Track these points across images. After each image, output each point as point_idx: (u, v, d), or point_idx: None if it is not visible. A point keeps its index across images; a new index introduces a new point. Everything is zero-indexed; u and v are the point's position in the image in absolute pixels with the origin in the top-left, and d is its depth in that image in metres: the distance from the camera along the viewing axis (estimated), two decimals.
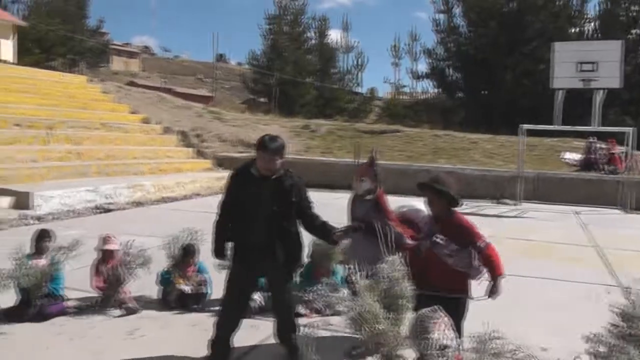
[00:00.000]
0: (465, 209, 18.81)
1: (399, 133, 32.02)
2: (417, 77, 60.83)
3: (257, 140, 5.77)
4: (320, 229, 5.93)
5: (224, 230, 5.92)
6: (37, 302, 6.99)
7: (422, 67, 72.71)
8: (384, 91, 74.94)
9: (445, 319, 4.71)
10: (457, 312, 5.40)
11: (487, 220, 16.80)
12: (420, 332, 4.45)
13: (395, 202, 7.09)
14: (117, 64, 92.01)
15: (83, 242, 7.55)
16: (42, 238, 7.44)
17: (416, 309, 5.50)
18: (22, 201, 15.48)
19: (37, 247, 7.39)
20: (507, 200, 21.38)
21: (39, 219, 14.77)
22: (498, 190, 22.25)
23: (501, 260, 5.74)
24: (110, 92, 30.80)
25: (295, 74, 56.00)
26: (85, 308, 7.30)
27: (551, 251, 12.59)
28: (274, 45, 58.34)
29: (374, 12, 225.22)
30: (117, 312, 7.31)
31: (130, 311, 7.31)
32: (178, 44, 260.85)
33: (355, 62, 64.22)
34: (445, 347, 4.34)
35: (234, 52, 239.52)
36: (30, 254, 7.29)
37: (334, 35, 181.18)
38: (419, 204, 6.86)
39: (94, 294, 7.58)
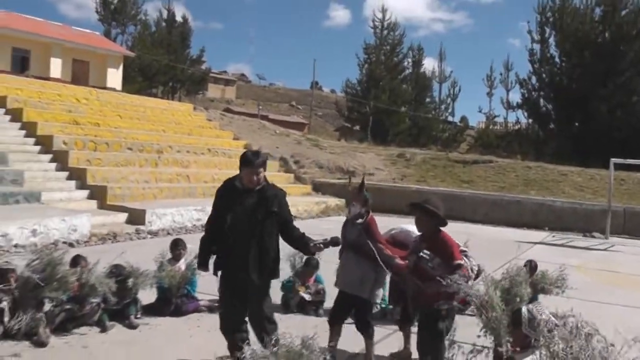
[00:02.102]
0: (555, 240, 19.31)
1: (492, 163, 32.37)
2: (510, 107, 60.29)
3: (242, 157, 6.10)
4: (299, 240, 6.28)
5: (208, 244, 6.30)
6: (177, 300, 8.22)
7: (516, 96, 71.32)
8: (476, 120, 74.57)
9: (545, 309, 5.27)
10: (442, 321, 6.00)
11: (575, 252, 17.18)
12: (532, 318, 4.95)
13: (395, 225, 7.48)
14: (213, 91, 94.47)
15: None
16: (176, 246, 8.64)
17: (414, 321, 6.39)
18: (137, 217, 16.93)
19: (173, 254, 8.56)
20: (597, 234, 21.54)
21: (153, 233, 16.12)
22: (588, 223, 22.44)
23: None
24: (214, 120, 32.61)
25: (391, 102, 56.40)
26: (215, 308, 8.39)
27: (638, 283, 12.86)
28: (371, 75, 58.89)
29: (467, 39, 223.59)
30: None
31: None
32: (272, 71, 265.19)
33: (449, 92, 64.29)
34: (556, 326, 4.89)
35: (326, 79, 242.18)
36: (169, 259, 8.48)
37: (428, 63, 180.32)
38: (409, 225, 7.41)
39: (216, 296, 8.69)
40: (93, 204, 18.03)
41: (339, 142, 37.85)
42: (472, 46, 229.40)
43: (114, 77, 44.61)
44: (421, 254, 6.13)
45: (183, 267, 8.43)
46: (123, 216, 17.15)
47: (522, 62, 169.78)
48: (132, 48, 53.01)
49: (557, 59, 52.99)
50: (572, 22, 50.72)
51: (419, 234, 6.71)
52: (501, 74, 64.64)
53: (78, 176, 19.10)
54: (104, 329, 7.38)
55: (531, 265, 8.96)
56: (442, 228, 6.24)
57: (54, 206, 16.53)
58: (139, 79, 53.00)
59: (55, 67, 41.22)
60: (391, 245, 6.98)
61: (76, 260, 7.79)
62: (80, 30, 47.52)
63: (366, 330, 6.74)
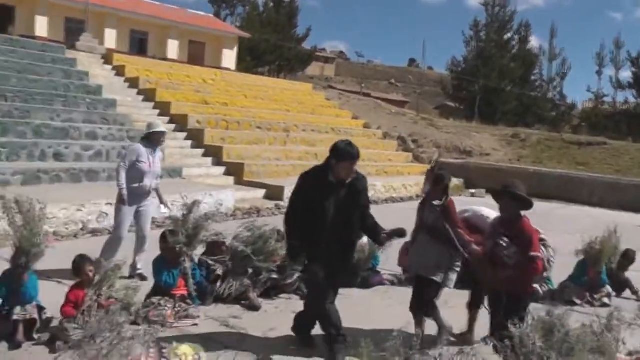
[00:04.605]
0: None
1: (606, 145, 31.74)
2: (620, 86, 58.26)
3: (337, 149, 5.87)
4: (372, 229, 6.22)
5: (295, 228, 6.11)
6: (364, 273, 8.92)
7: (626, 75, 68.13)
8: (580, 99, 72.00)
9: None
10: (517, 309, 5.78)
11: None
12: None
13: (464, 206, 7.44)
14: (312, 69, 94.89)
15: None
16: None
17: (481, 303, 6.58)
18: (276, 193, 17.80)
19: None
20: None
21: None
22: None
23: (534, 279, 6.39)
24: (332, 99, 33.41)
25: (500, 81, 55.47)
26: (397, 282, 9.07)
27: None
28: (480, 53, 58.09)
29: (569, 13, 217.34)
30: None
31: None
32: (369, 48, 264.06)
33: (559, 70, 62.26)
34: None
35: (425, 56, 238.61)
36: None
37: (532, 40, 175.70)
38: (482, 209, 7.38)
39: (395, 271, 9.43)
40: (230, 180, 18.91)
41: (452, 122, 37.53)
42: (573, 21, 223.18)
43: (229, 57, 45.67)
44: (499, 240, 6.05)
45: (365, 242, 8.84)
46: (261, 192, 18.02)
47: (627, 37, 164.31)
48: (241, 28, 53.86)
49: None
50: None
51: (493, 217, 6.80)
52: (612, 53, 61.95)
53: (214, 153, 20.09)
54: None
55: None
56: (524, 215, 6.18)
57: (195, 181, 17.39)
58: (247, 59, 53.85)
59: (173, 48, 42.43)
60: (467, 230, 6.79)
61: None
62: (194, 13, 48.73)
63: (432, 312, 6.69)
